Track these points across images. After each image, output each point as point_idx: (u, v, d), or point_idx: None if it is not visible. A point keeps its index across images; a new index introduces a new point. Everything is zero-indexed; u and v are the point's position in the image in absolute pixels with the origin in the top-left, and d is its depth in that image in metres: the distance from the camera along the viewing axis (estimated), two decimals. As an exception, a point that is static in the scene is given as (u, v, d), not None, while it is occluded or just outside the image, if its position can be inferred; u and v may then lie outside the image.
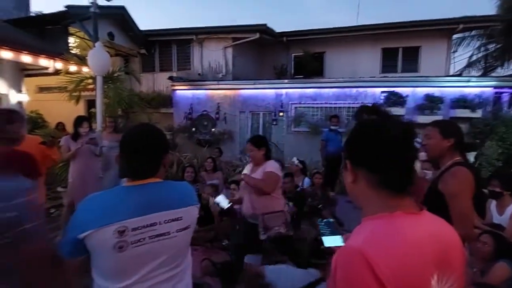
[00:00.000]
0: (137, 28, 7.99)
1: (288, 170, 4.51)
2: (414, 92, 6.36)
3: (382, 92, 6.51)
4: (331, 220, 1.25)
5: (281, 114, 7.22)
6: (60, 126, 6.69)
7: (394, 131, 0.67)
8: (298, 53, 8.76)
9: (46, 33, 7.06)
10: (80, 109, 6.47)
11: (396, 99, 6.34)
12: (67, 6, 6.35)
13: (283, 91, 7.26)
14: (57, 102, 6.27)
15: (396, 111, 6.07)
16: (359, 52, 8.44)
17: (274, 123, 7.26)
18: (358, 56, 8.40)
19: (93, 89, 5.24)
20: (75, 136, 3.47)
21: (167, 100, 8.02)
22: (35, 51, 5.38)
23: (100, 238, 0.90)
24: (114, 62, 6.52)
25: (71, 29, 7.01)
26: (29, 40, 6.00)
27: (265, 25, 7.85)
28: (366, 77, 6.95)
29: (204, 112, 7.70)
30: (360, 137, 0.74)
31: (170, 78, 7.87)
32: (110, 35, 7.27)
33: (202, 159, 5.84)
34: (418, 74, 7.74)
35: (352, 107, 6.55)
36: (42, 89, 7.81)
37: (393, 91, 6.41)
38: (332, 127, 5.37)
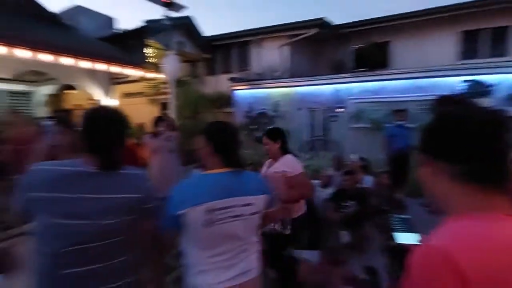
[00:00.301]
0: (202, 35, 8.68)
1: (348, 167, 4.37)
2: (503, 80, 5.43)
3: (463, 81, 5.72)
4: (407, 216, 1.22)
5: (339, 110, 6.98)
6: (141, 127, 7.73)
7: (478, 118, 0.60)
8: (358, 45, 8.30)
9: (129, 46, 8.21)
10: (155, 111, 7.37)
11: (481, 89, 5.50)
12: (145, 21, 7.28)
13: (342, 86, 6.99)
14: (138, 106, 7.28)
15: (481, 102, 5.27)
16: (430, 38, 7.58)
17: (333, 119, 7.05)
18: (429, 43, 7.55)
19: (167, 93, 5.92)
20: (155, 134, 4.00)
21: (228, 100, 8.51)
22: (122, 63, 6.34)
23: (193, 215, 1.10)
24: (183, 67, 7.23)
25: (149, 41, 8.01)
26: (117, 53, 7.07)
27: (322, 19, 7.67)
28: (441, 66, 6.18)
29: (263, 111, 7.93)
30: (440, 126, 0.66)
31: (231, 79, 8.32)
32: (180, 44, 8.07)
33: (261, 156, 6.06)
34: (507, 59, 6.55)
35: (423, 100, 5.92)
36: (126, 95, 9.11)
37: (476, 79, 5.58)
38: (398, 122, 4.96)
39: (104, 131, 1.05)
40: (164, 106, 7.83)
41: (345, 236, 3.07)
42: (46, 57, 4.97)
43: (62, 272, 0.96)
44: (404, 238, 1.09)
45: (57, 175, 1.00)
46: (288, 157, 2.17)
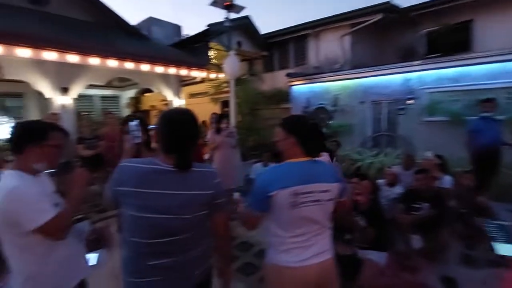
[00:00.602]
0: (259, 33, 8.85)
1: (421, 165, 3.93)
2: None
3: None
4: (507, 223, 1.07)
5: (409, 101, 6.29)
6: (204, 124, 8.35)
7: None
8: (432, 28, 7.33)
9: (194, 50, 8.90)
10: (217, 110, 7.85)
11: None
12: (208, 25, 7.78)
13: (413, 74, 6.28)
14: (201, 105, 7.85)
15: None
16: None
17: (401, 112, 6.41)
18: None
19: (227, 92, 6.24)
20: (218, 130, 4.28)
21: (285, 96, 8.52)
22: (189, 66, 6.92)
23: (280, 197, 1.24)
24: (242, 66, 7.51)
25: (211, 44, 8.55)
26: (185, 57, 7.75)
27: (388, 2, 7.01)
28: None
29: (321, 105, 7.70)
30: None
31: (288, 74, 8.29)
32: (239, 44, 8.40)
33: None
34: None
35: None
36: (191, 95, 9.93)
37: None
38: (485, 114, 4.20)
39: (179, 133, 1.12)
40: (225, 104, 8.28)
41: (417, 241, 2.80)
42: (129, 65, 5.78)
43: (145, 262, 1.09)
44: (507, 250, 0.95)
45: (140, 172, 1.09)
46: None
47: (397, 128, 6.59)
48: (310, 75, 8.00)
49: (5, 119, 3.07)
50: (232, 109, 5.22)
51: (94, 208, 4.86)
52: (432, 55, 6.90)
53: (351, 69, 7.45)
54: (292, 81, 8.24)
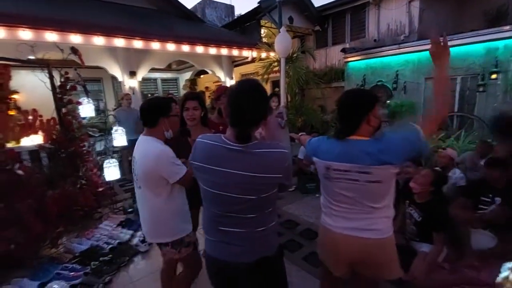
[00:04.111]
0: (312, 5, 8.31)
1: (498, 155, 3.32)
2: None
3: None
4: None
5: (493, 76, 5.28)
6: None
7: None
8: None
9: (246, 29, 8.89)
10: (268, 90, 7.82)
11: None
12: (259, 2, 7.62)
13: (500, 43, 5.21)
14: (252, 85, 7.88)
15: None
16: None
17: (481, 89, 5.45)
18: None
19: (277, 71, 6.13)
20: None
21: (338, 74, 7.99)
22: (240, 45, 6.97)
23: (318, 166, 1.41)
24: (293, 43, 7.23)
25: (262, 22, 8.39)
26: (236, 37, 7.81)
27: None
28: None
29: (379, 83, 7.03)
30: None
31: (343, 50, 7.71)
32: (290, 19, 8.05)
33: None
34: None
35: None
36: (243, 75, 10.06)
37: None
38: None
39: (240, 105, 1.05)
40: (275, 84, 8.19)
41: (488, 239, 2.44)
42: (185, 48, 6.10)
43: (217, 227, 1.17)
44: None
45: (209, 148, 1.11)
46: None
47: (474, 108, 5.66)
48: (368, 49, 7.28)
49: (86, 100, 3.59)
50: (282, 89, 5.12)
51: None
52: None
53: (418, 40, 6.53)
54: (348, 57, 7.63)
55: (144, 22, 6.41)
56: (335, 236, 1.38)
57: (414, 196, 2.43)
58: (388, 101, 6.69)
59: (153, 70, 7.42)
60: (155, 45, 5.69)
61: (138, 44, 5.47)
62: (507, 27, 5.10)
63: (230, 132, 1.09)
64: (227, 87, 2.64)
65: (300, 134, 1.97)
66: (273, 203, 1.18)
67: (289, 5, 7.87)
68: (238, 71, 9.52)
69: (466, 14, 7.03)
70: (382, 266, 1.36)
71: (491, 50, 5.32)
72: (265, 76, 6.64)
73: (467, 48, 5.55)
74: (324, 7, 8.52)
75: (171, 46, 5.89)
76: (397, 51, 6.62)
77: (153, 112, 1.62)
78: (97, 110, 8.52)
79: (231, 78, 7.92)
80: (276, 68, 6.42)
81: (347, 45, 8.08)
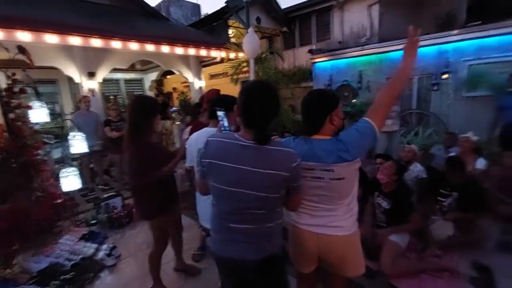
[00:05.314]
0: (279, 7, 8.43)
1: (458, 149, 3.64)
2: None
3: None
4: None
5: (444, 76, 5.77)
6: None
7: None
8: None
9: (213, 29, 8.74)
10: (237, 90, 7.75)
11: None
12: (226, 1, 7.53)
13: (449, 45, 5.71)
14: (221, 86, 7.76)
15: None
16: None
17: (435, 88, 5.92)
18: None
19: (247, 71, 6.11)
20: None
21: (307, 74, 8.19)
22: (208, 45, 6.83)
23: None
24: (261, 44, 7.26)
25: (230, 22, 8.31)
26: (203, 37, 7.64)
27: (425, -36, 6.27)
28: None
29: (344, 82, 7.33)
30: None
31: (310, 51, 7.92)
32: (258, 20, 8.08)
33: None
34: None
35: None
36: (212, 76, 9.90)
37: None
38: None
39: (256, 106, 1.09)
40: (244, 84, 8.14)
41: (447, 228, 2.65)
42: (150, 48, 5.81)
43: (226, 224, 1.20)
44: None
45: (221, 146, 1.16)
46: None
47: (430, 106, 6.14)
48: (333, 51, 7.57)
49: (38, 104, 3.25)
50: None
51: (125, 186, 5.17)
52: (473, 23, 6.17)
53: (379, 42, 6.92)
54: (314, 58, 7.86)
55: (104, 19, 6.01)
56: (301, 233, 1.41)
57: (381, 186, 2.65)
58: (354, 100, 7.00)
59: (115, 70, 6.98)
60: (116, 44, 5.35)
61: (97, 43, 5.10)
62: (455, 31, 5.60)
63: (243, 130, 1.15)
64: (218, 90, 2.59)
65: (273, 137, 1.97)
66: (281, 202, 1.22)
67: (256, 6, 7.89)
68: (207, 72, 9.35)
69: (419, 18, 7.58)
70: (346, 262, 1.39)
71: (442, 52, 5.80)
72: (235, 77, 6.58)
73: (422, 50, 5.98)
74: (291, 9, 8.68)
75: (134, 45, 5.58)
76: (360, 52, 6.96)
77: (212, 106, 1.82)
78: (53, 114, 7.84)
79: (200, 78, 7.75)
80: (246, 69, 6.39)
81: (314, 47, 8.31)
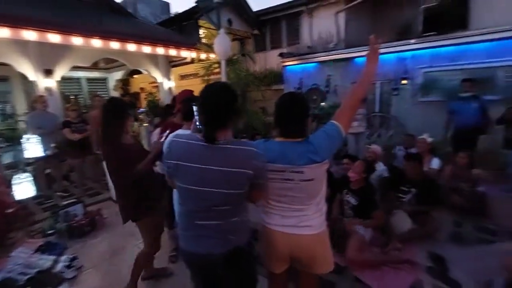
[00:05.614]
0: (251, 10, 8.49)
1: (416, 149, 3.94)
2: None
3: None
4: None
5: (404, 82, 6.22)
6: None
7: None
8: (430, 4, 7.12)
9: (183, 29, 8.55)
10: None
11: None
12: (196, 1, 7.42)
13: (408, 53, 6.17)
14: (192, 87, 7.62)
15: None
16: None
17: (395, 93, 6.36)
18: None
19: (218, 73, 6.07)
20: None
21: (278, 77, 8.33)
22: (178, 45, 6.66)
23: None
24: (233, 46, 7.26)
25: (200, 22, 8.18)
26: (173, 36, 7.45)
27: (385, -23, 6.72)
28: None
29: (314, 86, 7.58)
30: None
31: (280, 54, 8.07)
32: (229, 21, 8.07)
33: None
34: None
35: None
36: (182, 77, 9.66)
37: None
38: (464, 95, 4.19)
39: (206, 106, 1.15)
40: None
41: (405, 222, 2.85)
42: (115, 45, 5.52)
43: (193, 221, 1.24)
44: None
45: (184, 146, 1.19)
46: None
47: (391, 109, 6.57)
48: (303, 55, 7.80)
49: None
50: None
51: (86, 192, 4.84)
52: (429, 33, 6.74)
53: (345, 48, 7.27)
54: (285, 61, 8.04)
55: (63, 13, 5.59)
56: (272, 234, 1.43)
57: (350, 184, 2.80)
58: (323, 103, 7.26)
59: (76, 68, 6.53)
60: (77, 40, 5.00)
61: (54, 38, 4.73)
62: (413, 41, 6.07)
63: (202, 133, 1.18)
64: (191, 91, 2.53)
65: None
66: (245, 197, 1.25)
67: (228, 7, 7.87)
68: (177, 72, 9.11)
69: (381, 27, 8.10)
70: (317, 260, 1.44)
71: (401, 59, 6.25)
72: (206, 78, 6.50)
73: (384, 57, 6.40)
74: (262, 12, 8.80)
75: (97, 42, 5.26)
76: (327, 57, 7.25)
77: (189, 110, 1.67)
78: (3, 115, 7.12)
79: (169, 79, 7.53)
80: (217, 70, 6.34)
81: (285, 50, 8.49)
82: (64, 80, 6.59)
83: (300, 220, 1.38)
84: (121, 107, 2.02)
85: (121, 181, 1.95)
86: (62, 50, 5.42)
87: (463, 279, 2.22)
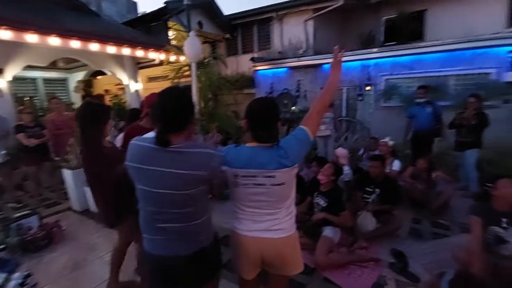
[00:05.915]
0: (222, 14, 8.48)
1: (378, 151, 4.19)
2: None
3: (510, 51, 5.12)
4: None
5: (367, 88, 6.61)
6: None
7: None
8: (390, 16, 7.67)
9: (151, 29, 8.28)
10: (179, 94, 7.45)
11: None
12: (165, 2, 7.24)
13: (371, 61, 6.57)
14: (161, 89, 7.40)
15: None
16: (473, 4, 6.76)
17: (360, 98, 6.72)
18: (472, 9, 6.75)
19: (189, 76, 5.94)
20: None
21: (249, 81, 8.39)
22: (146, 46, 6.43)
23: (228, 174, 1.39)
24: (204, 49, 7.16)
25: (170, 23, 7.98)
26: (140, 36, 7.17)
27: (350, -11, 7.12)
28: (486, 34, 5.52)
29: (284, 91, 7.75)
30: None
31: (252, 59, 8.15)
32: (200, 24, 7.98)
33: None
34: None
35: (466, 74, 5.45)
36: (151, 79, 9.33)
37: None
38: (419, 100, 4.57)
39: (157, 110, 1.17)
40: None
41: (370, 221, 3.01)
42: (75, 44, 5.18)
43: (155, 224, 1.23)
44: None
45: (141, 149, 1.19)
46: None
47: (356, 114, 6.92)
48: (274, 60, 7.95)
49: None
50: (195, 94, 4.99)
51: (42, 202, 4.45)
52: (389, 43, 7.24)
53: (314, 54, 7.55)
54: (256, 66, 8.13)
55: (16, 8, 5.13)
56: (244, 240, 1.43)
57: (320, 187, 2.90)
58: (293, 107, 7.44)
59: (31, 68, 6.01)
60: (32, 38, 4.61)
61: (5, 34, 4.32)
62: (375, 50, 6.48)
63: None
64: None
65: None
66: (204, 197, 1.27)
67: (198, 10, 7.80)
68: (145, 74, 8.77)
69: (347, 36, 8.55)
70: (287, 262, 1.47)
71: (365, 66, 6.64)
72: (176, 81, 6.33)
73: (349, 64, 6.76)
74: (233, 16, 8.83)
75: (54, 40, 4.89)
76: (297, 63, 7.47)
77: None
78: None
79: (136, 81, 7.23)
80: (187, 73, 6.22)
81: (256, 55, 8.59)
82: (17, 80, 6.04)
83: (272, 224, 1.39)
84: (103, 111, 1.99)
85: (105, 186, 1.90)
86: (13, 48, 4.96)
87: (421, 272, 2.40)
